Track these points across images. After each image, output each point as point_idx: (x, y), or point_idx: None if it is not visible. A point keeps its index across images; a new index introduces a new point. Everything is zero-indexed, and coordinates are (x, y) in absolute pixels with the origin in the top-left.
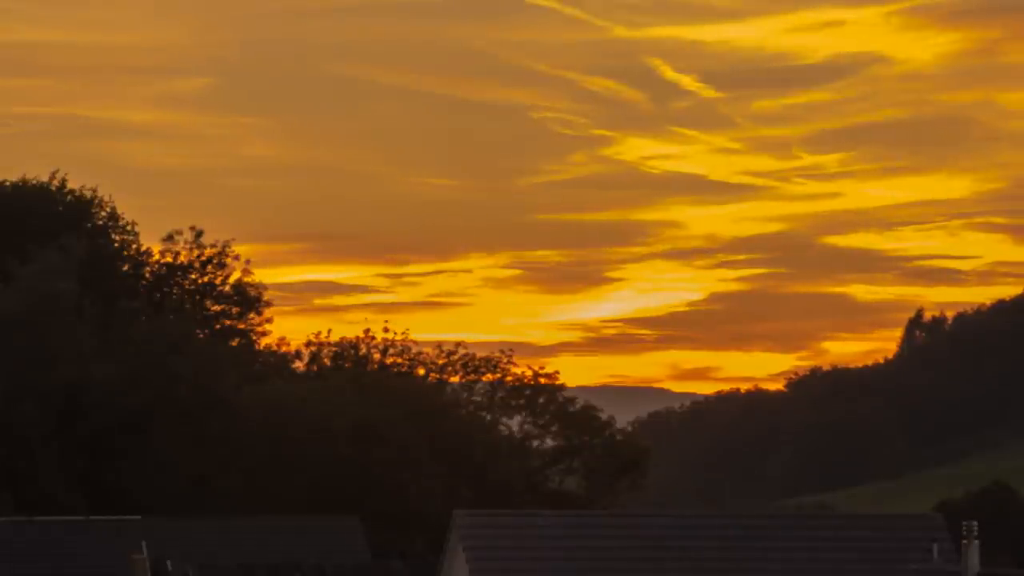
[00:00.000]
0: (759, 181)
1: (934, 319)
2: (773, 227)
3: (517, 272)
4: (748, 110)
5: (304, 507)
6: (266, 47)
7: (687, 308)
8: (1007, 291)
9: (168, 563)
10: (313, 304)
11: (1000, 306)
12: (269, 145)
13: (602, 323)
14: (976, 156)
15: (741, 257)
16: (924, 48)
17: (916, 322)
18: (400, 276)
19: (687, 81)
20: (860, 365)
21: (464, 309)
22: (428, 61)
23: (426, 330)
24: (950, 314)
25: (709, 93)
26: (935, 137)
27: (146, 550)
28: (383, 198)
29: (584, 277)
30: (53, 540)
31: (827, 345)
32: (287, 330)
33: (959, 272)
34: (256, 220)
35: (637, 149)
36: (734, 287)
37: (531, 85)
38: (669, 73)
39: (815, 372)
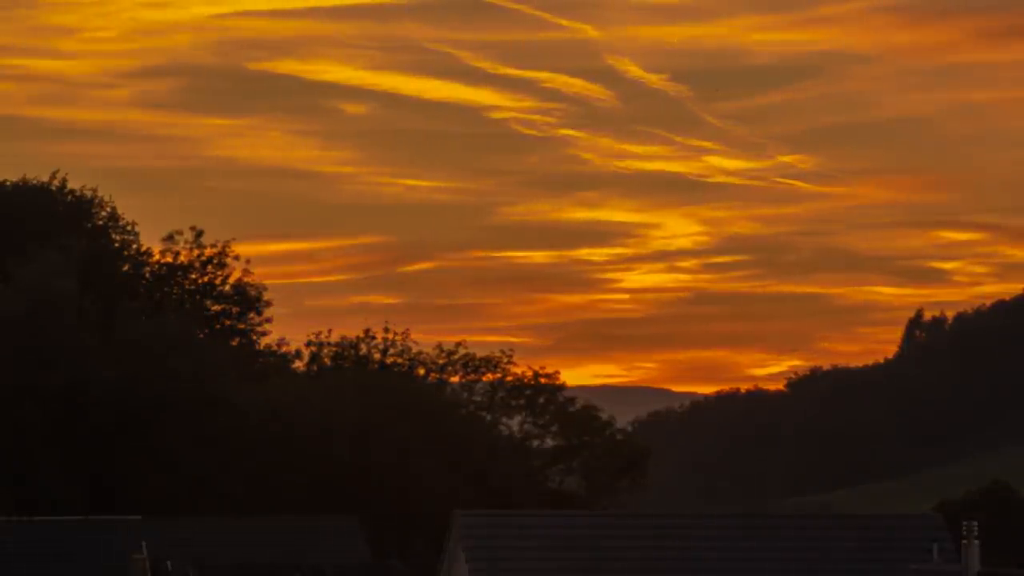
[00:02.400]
0: (735, 181)
1: (934, 319)
2: (756, 227)
3: (502, 272)
4: (718, 109)
5: (304, 507)
6: (236, 48)
7: (682, 308)
8: (992, 291)
9: (168, 563)
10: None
11: (1000, 306)
12: (237, 146)
13: (599, 323)
14: (961, 155)
15: (732, 259)
16: (907, 45)
17: (916, 322)
18: (386, 277)
19: (655, 80)
20: (860, 365)
21: (457, 310)
22: (395, 62)
23: (423, 332)
24: (950, 314)
25: (678, 92)
26: (917, 136)
27: (146, 550)
28: (353, 198)
29: (569, 277)
30: (53, 540)
31: (826, 345)
32: (286, 330)
33: (946, 272)
34: (231, 221)
35: (608, 149)
36: (724, 287)
37: (496, 85)
38: (637, 72)
39: (815, 372)
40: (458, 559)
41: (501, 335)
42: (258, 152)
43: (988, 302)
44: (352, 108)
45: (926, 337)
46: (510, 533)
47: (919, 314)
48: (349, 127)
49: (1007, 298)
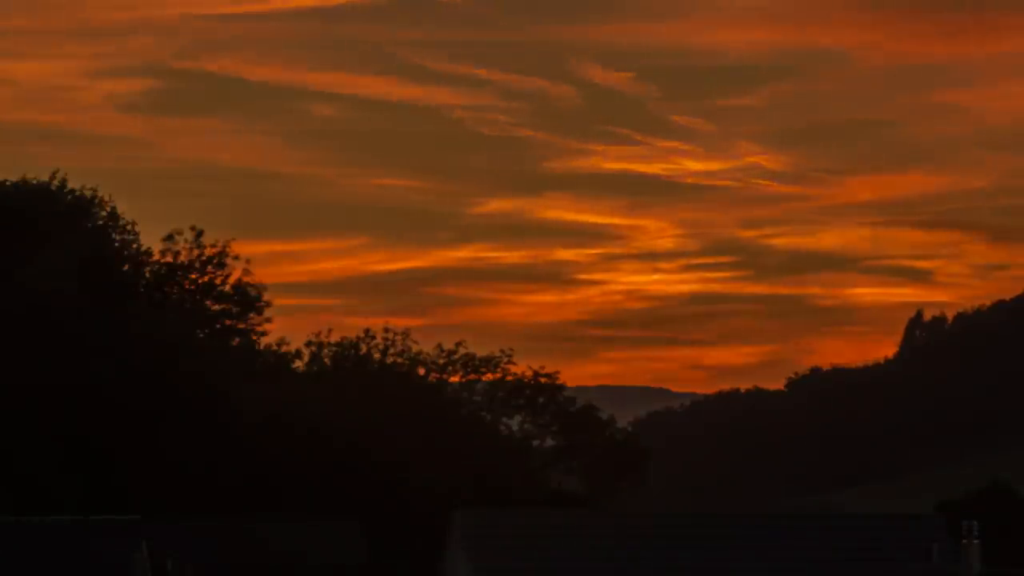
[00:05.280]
0: (708, 182)
1: (934, 319)
2: (735, 228)
3: (482, 269)
4: (685, 109)
5: (304, 507)
6: (202, 50)
7: (678, 309)
8: (972, 292)
9: (168, 563)
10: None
11: (1000, 306)
12: (207, 148)
13: (596, 323)
14: (935, 155)
15: (716, 259)
16: (889, 43)
17: (916, 322)
18: (379, 277)
19: (622, 80)
20: (860, 365)
21: (455, 310)
22: (357, 63)
23: (430, 339)
24: (950, 314)
25: (645, 93)
26: (889, 136)
27: (146, 550)
28: (327, 199)
29: (555, 277)
30: (53, 540)
31: (819, 346)
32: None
33: (926, 272)
34: (209, 223)
35: (577, 149)
36: (716, 288)
37: (462, 85)
38: (602, 72)
39: (815, 372)
40: (458, 559)
41: (490, 335)
42: (229, 154)
43: (988, 302)
44: (318, 110)
45: (926, 337)
46: (510, 533)
47: (919, 314)
48: (316, 128)
49: (1007, 298)
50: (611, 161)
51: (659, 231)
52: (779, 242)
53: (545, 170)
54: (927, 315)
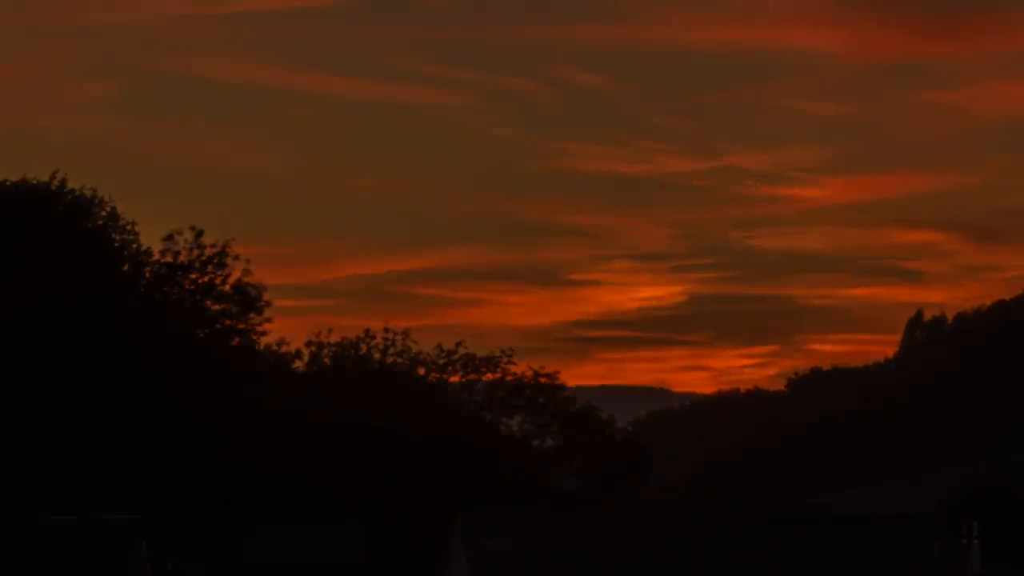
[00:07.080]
0: (697, 182)
1: (934, 319)
2: (720, 228)
3: (478, 270)
4: (664, 108)
5: (304, 507)
6: (181, 52)
7: (675, 309)
8: (971, 293)
9: (168, 563)
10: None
11: (1000, 306)
12: (205, 149)
13: (595, 323)
14: (918, 155)
15: (705, 260)
16: (875, 41)
17: (916, 322)
18: (377, 278)
19: (600, 80)
20: (860, 365)
21: (450, 310)
22: (357, 64)
23: (427, 336)
24: (950, 314)
25: (624, 92)
26: (871, 135)
27: (146, 550)
28: (322, 200)
29: (550, 277)
30: (53, 540)
31: (824, 346)
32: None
33: (922, 274)
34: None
35: (572, 152)
36: (709, 289)
37: (442, 86)
38: (579, 73)
39: (815, 372)
40: (459, 558)
41: (489, 335)
42: (229, 155)
43: (987, 302)
44: (315, 111)
45: (926, 337)
46: (510, 533)
47: (919, 314)
48: (311, 129)
49: (1008, 298)
50: (598, 162)
51: (648, 232)
52: (766, 243)
53: (532, 171)
54: (926, 315)
